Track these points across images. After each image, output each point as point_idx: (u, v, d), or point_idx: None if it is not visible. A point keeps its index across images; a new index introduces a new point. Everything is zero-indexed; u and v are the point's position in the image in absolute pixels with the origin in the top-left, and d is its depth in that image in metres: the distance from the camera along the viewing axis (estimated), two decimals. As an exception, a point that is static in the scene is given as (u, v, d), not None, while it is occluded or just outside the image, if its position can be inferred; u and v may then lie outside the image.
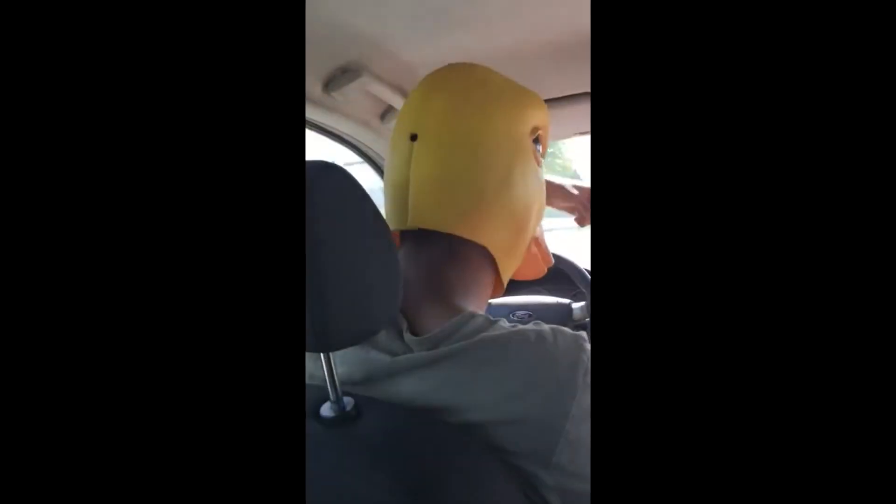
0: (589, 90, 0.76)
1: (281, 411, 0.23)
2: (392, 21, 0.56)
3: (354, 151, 0.90)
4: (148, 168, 0.22)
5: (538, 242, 0.50)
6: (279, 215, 0.24)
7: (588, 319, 1.09)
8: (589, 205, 0.63)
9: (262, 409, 0.23)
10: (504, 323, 0.38)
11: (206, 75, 0.23)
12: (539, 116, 0.46)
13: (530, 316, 1.13)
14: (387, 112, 0.81)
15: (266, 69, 0.24)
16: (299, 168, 0.25)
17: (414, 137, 0.42)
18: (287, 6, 0.24)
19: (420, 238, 0.43)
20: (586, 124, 0.85)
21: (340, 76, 0.66)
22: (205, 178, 0.23)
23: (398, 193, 0.43)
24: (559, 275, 1.11)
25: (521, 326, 0.37)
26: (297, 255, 0.25)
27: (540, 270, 0.52)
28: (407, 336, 0.38)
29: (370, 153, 0.90)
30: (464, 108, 0.42)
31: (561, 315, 1.11)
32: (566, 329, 0.37)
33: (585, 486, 0.33)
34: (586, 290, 1.09)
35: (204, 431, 0.22)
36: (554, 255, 1.24)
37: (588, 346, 0.36)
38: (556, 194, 0.65)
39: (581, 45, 0.62)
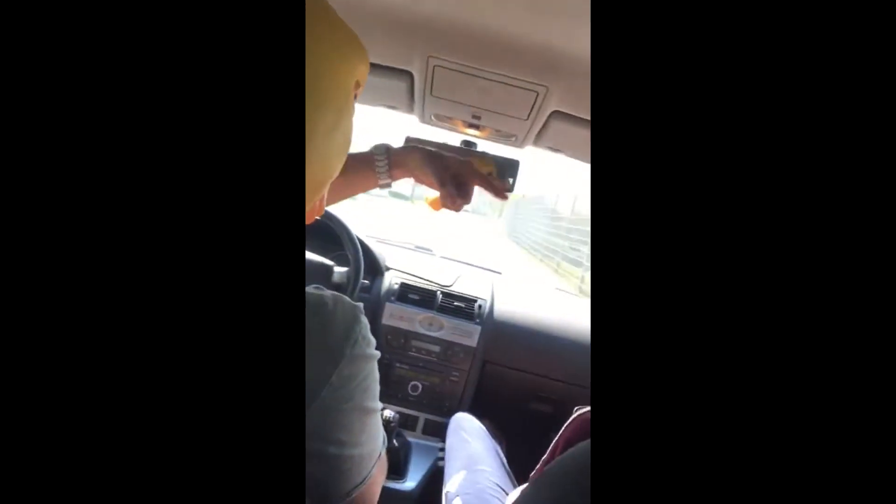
0: (410, 69, 0.70)
1: (279, 396, 0.24)
2: None
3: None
4: (149, 175, 0.23)
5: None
6: (278, 211, 0.24)
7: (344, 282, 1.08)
8: (452, 183, 0.60)
9: (262, 399, 0.23)
10: None
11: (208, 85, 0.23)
12: (364, 71, 0.42)
13: None
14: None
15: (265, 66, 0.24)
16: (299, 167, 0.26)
17: None
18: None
19: None
20: (394, 99, 0.80)
21: None
22: (207, 179, 0.23)
23: None
24: (325, 233, 1.11)
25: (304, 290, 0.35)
26: (297, 252, 0.26)
27: (310, 218, 0.48)
28: None
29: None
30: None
31: (321, 275, 1.11)
32: (346, 298, 0.37)
33: (329, 450, 0.34)
34: (352, 256, 1.09)
35: (201, 426, 0.22)
36: (327, 214, 1.14)
37: (364, 318, 0.36)
38: (419, 164, 0.60)
39: (419, 25, 0.57)
